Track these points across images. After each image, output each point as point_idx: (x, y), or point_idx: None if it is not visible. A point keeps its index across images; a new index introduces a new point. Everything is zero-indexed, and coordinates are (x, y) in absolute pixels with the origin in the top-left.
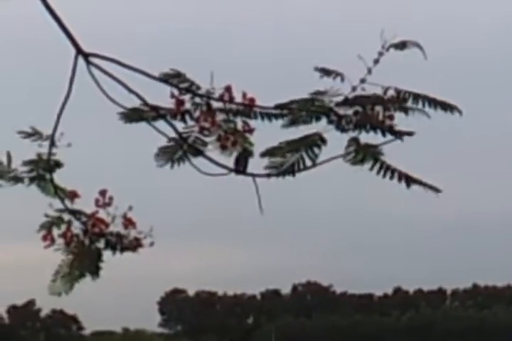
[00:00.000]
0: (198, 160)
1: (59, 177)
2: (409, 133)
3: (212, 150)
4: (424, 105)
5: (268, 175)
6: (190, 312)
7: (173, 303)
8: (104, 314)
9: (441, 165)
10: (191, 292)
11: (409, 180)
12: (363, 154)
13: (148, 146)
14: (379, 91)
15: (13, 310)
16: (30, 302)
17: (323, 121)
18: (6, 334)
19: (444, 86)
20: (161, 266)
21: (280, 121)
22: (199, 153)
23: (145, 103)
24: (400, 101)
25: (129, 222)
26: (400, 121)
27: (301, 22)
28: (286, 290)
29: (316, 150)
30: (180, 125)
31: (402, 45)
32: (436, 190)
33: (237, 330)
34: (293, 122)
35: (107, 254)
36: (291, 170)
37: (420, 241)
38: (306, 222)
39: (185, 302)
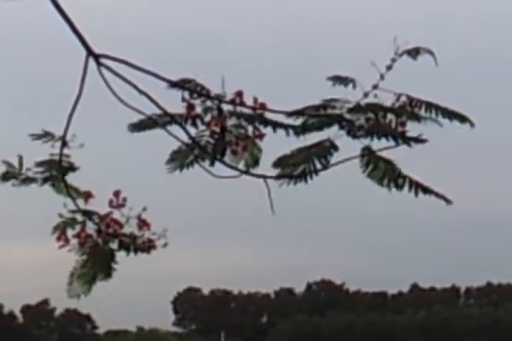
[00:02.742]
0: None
1: (73, 177)
2: (422, 141)
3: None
4: (436, 115)
5: (279, 177)
6: (205, 311)
7: (187, 302)
8: (118, 313)
9: (455, 165)
10: (205, 291)
11: (421, 189)
12: (373, 165)
13: (160, 147)
14: (391, 98)
15: (27, 309)
16: (44, 302)
17: (335, 126)
18: (20, 333)
19: (457, 88)
20: (175, 264)
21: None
22: (214, 158)
23: (156, 105)
24: (412, 109)
25: (143, 223)
26: (413, 127)
27: (314, 28)
28: (300, 288)
29: (327, 156)
30: (191, 130)
31: (414, 53)
32: (447, 201)
33: (251, 329)
34: (305, 130)
35: (120, 255)
36: (303, 177)
37: (434, 240)
38: (320, 220)
39: (199, 301)
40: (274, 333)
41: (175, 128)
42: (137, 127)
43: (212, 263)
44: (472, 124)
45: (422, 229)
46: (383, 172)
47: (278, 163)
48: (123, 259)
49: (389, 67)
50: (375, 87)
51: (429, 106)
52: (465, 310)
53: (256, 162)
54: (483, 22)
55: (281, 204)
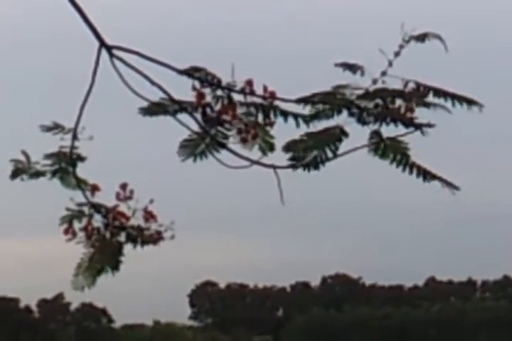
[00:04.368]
0: (221, 152)
1: (80, 170)
2: (430, 125)
3: (233, 144)
4: (445, 100)
5: (290, 167)
6: (221, 305)
7: (203, 296)
8: (134, 307)
9: (465, 157)
10: (222, 284)
11: (429, 176)
12: (383, 148)
13: (170, 139)
14: (400, 84)
15: (43, 303)
16: (60, 296)
17: (344, 113)
18: (36, 327)
19: (464, 79)
20: (192, 258)
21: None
22: (222, 146)
23: (168, 95)
24: (421, 95)
25: (149, 215)
26: (421, 115)
27: (322, 15)
28: (315, 282)
29: (337, 143)
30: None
31: (422, 37)
32: (454, 187)
33: (267, 323)
34: (314, 117)
35: (133, 248)
36: (315, 164)
37: (450, 233)
38: (335, 214)
39: (215, 295)
40: (290, 327)
41: (185, 118)
42: (147, 111)
43: (229, 257)
44: (481, 106)
45: (439, 223)
46: (393, 156)
47: (288, 147)
48: (140, 253)
49: (397, 54)
50: (384, 73)
51: (438, 91)
52: (481, 303)
53: (271, 147)
54: (492, 10)
55: (297, 197)
